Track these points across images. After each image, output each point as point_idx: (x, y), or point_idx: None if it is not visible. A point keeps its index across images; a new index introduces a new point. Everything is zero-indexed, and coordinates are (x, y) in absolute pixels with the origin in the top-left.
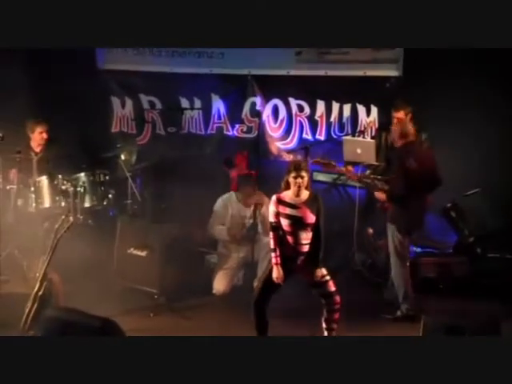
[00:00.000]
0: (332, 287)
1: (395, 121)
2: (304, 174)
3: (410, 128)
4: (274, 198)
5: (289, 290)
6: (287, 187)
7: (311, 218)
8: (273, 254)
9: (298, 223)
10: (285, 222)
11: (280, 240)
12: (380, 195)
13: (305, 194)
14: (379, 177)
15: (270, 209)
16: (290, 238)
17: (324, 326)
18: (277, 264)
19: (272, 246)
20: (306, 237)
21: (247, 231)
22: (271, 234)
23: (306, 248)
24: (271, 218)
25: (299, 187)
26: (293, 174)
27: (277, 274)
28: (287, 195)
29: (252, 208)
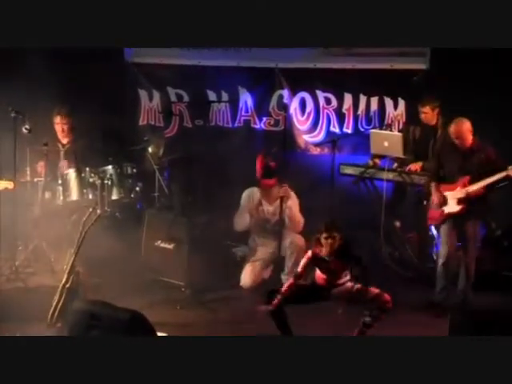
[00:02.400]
0: (375, 290)
1: (422, 115)
2: (336, 233)
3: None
4: (309, 253)
5: None
6: (318, 244)
7: (343, 268)
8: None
9: (332, 274)
10: (319, 273)
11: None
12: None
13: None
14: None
15: (302, 261)
16: (323, 281)
17: (366, 321)
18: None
19: (284, 288)
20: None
21: (272, 226)
22: (291, 280)
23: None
24: (299, 269)
25: (331, 246)
26: (324, 235)
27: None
28: (321, 251)
29: (276, 203)
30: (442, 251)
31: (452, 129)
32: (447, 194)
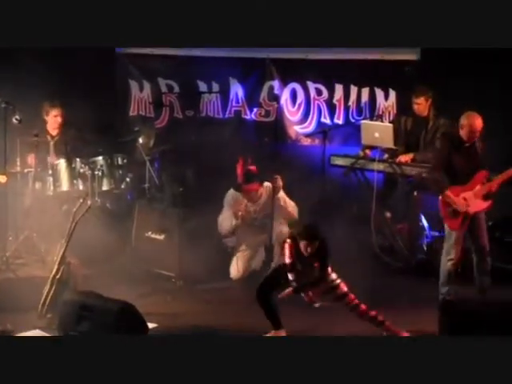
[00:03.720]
0: (344, 288)
1: (415, 106)
2: (316, 242)
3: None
4: (289, 242)
5: None
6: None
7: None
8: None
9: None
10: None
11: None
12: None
13: None
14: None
15: (287, 252)
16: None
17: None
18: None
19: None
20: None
21: (260, 222)
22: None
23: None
24: (288, 259)
25: (309, 253)
26: (304, 242)
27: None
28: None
29: (261, 200)
30: (452, 250)
31: (465, 122)
32: (466, 194)
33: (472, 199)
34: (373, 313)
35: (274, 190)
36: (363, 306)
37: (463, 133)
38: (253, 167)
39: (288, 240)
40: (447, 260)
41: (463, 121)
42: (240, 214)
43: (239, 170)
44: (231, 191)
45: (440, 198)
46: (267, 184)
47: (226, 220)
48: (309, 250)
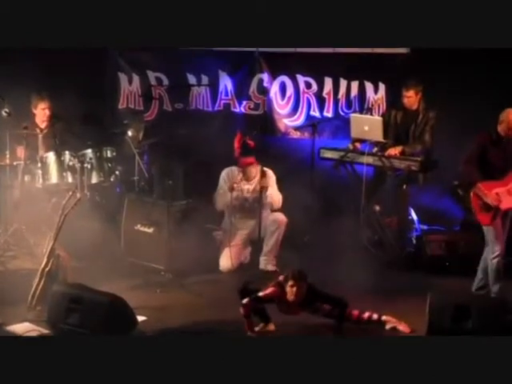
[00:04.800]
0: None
1: (405, 100)
2: (303, 283)
3: None
4: (275, 289)
5: None
6: (280, 289)
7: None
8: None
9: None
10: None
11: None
12: None
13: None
14: None
15: (268, 290)
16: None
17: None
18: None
19: (243, 312)
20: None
21: (250, 204)
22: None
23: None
24: (262, 294)
25: (296, 295)
26: (290, 283)
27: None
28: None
29: (255, 181)
30: (495, 247)
31: (504, 117)
32: (500, 190)
33: (505, 195)
34: (366, 315)
35: (262, 188)
36: (355, 313)
37: (501, 128)
38: (250, 141)
39: (275, 288)
40: (492, 258)
41: (502, 116)
42: (235, 185)
43: (236, 143)
44: (227, 168)
45: (472, 191)
46: (267, 170)
47: (221, 196)
48: (294, 290)
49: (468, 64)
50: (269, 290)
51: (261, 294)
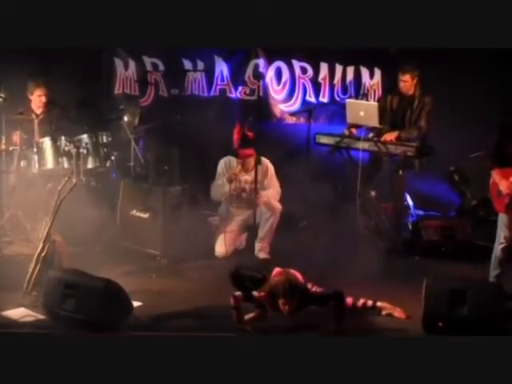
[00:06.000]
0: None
1: (401, 84)
2: (295, 299)
3: None
4: (264, 296)
5: None
6: (271, 298)
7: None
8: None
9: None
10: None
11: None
12: None
13: None
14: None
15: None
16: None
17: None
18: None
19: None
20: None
21: (248, 195)
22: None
23: None
24: (255, 294)
25: (288, 311)
26: (282, 301)
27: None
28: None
29: (253, 172)
30: (502, 234)
31: None
32: None
33: None
34: (361, 302)
35: (257, 168)
36: (349, 300)
37: None
38: (250, 133)
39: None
40: (498, 244)
41: None
42: (233, 176)
43: (236, 135)
44: (225, 158)
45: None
46: (264, 160)
47: (219, 187)
48: (286, 307)
49: (464, 50)
50: (262, 295)
51: (255, 293)
